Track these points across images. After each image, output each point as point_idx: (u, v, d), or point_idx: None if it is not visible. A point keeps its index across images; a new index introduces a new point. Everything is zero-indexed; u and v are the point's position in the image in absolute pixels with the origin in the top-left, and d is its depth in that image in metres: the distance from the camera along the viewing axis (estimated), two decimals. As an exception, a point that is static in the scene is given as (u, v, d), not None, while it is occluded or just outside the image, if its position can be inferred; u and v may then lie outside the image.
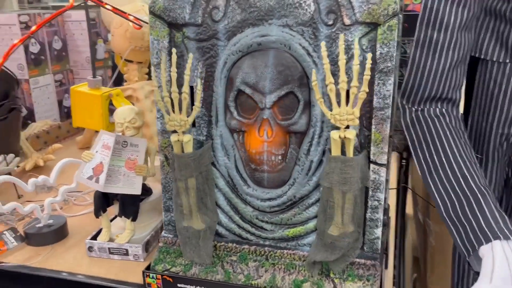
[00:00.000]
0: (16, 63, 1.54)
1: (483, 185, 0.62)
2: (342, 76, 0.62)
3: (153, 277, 0.75)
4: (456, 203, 0.62)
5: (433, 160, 0.67)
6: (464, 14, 0.68)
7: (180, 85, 0.69)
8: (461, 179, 0.63)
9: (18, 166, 1.18)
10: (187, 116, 0.70)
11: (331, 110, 0.64)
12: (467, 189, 0.62)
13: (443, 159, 0.66)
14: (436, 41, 0.69)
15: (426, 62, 0.70)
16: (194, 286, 0.74)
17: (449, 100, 0.72)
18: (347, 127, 0.64)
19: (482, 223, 0.58)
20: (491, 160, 0.78)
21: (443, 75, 0.70)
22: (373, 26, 0.63)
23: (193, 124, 0.74)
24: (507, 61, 0.72)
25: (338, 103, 0.63)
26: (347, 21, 0.64)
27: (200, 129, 0.74)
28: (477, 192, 0.61)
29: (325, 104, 0.65)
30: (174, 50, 0.69)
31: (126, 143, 0.79)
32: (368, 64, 0.61)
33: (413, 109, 0.73)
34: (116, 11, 0.85)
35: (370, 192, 0.68)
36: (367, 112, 0.66)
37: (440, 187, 0.65)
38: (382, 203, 0.68)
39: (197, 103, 0.70)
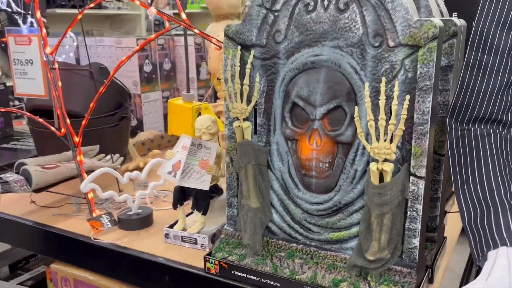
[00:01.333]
0: (132, 80, 1.80)
1: (509, 199, 0.63)
2: (382, 114, 0.68)
3: (212, 263, 0.86)
4: (478, 213, 0.64)
5: (467, 173, 0.69)
6: None
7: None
8: (487, 192, 0.64)
9: (121, 165, 1.39)
10: (247, 105, 0.82)
11: (371, 143, 0.70)
12: (490, 200, 0.63)
13: (476, 172, 0.68)
14: (486, 63, 0.72)
15: (475, 84, 0.73)
16: (245, 274, 0.84)
17: (499, 122, 0.74)
18: (386, 160, 0.70)
19: (495, 231, 0.59)
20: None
21: (492, 96, 0.72)
22: (415, 48, 0.69)
23: (255, 132, 0.85)
24: None
25: (378, 137, 0.70)
26: (391, 43, 0.70)
27: (261, 136, 0.85)
28: (499, 204, 0.62)
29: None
30: (237, 65, 0.81)
31: (201, 145, 0.93)
32: (406, 105, 0.67)
33: (459, 128, 0.75)
34: (201, 34, 1.00)
35: (409, 203, 0.72)
36: (409, 127, 0.71)
37: (468, 197, 0.67)
38: (420, 214, 0.72)
39: (255, 93, 0.81)
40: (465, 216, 0.66)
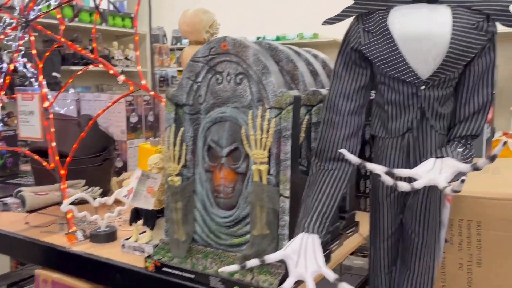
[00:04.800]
0: (120, 129, 2.17)
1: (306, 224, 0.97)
2: (258, 131, 1.02)
3: (149, 262, 1.17)
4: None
5: (311, 190, 1.01)
6: (351, 105, 1.04)
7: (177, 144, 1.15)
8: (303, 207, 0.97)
9: (101, 195, 1.72)
10: (178, 164, 1.15)
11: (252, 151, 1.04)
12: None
13: (315, 189, 1.00)
14: (333, 121, 1.05)
15: (328, 134, 1.06)
16: (172, 270, 1.14)
17: (345, 161, 1.06)
18: (261, 162, 1.03)
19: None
20: (383, 206, 1.08)
21: (339, 143, 1.05)
22: (281, 110, 1.03)
23: (185, 166, 1.18)
24: (386, 136, 1.04)
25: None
26: (267, 106, 1.05)
27: (189, 169, 1.18)
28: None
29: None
30: (173, 126, 1.15)
31: (148, 176, 1.26)
32: (271, 130, 1.01)
33: (318, 164, 1.07)
34: (155, 96, 1.36)
35: (280, 215, 1.04)
36: (279, 163, 1.04)
37: (305, 206, 0.99)
38: (287, 223, 1.03)
39: (183, 158, 1.15)
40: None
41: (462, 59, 0.95)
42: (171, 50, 7.03)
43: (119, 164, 2.20)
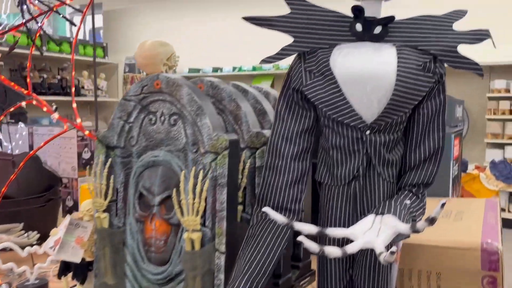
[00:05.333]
0: (71, 165, 2.04)
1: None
2: (190, 194, 0.92)
3: (73, 324, 1.04)
4: None
5: (248, 245, 0.90)
6: (294, 149, 0.95)
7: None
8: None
9: (38, 241, 1.58)
10: (105, 200, 1.04)
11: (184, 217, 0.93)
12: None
13: (243, 251, 0.89)
14: (276, 165, 0.96)
15: (270, 180, 0.96)
16: (96, 334, 1.01)
17: (287, 210, 0.96)
18: (194, 230, 0.92)
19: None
20: (331, 261, 0.97)
21: (281, 190, 0.95)
22: (217, 154, 0.93)
23: (116, 214, 1.07)
24: (332, 184, 0.95)
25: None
26: (202, 150, 0.95)
27: (120, 218, 1.06)
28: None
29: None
30: (101, 156, 1.05)
31: (78, 224, 1.14)
32: (205, 190, 0.90)
33: (259, 214, 0.97)
34: (89, 135, 1.25)
35: (215, 273, 0.93)
36: (214, 214, 0.93)
37: (242, 261, 0.88)
38: (223, 282, 0.92)
39: (110, 192, 1.03)
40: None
41: (409, 102, 0.87)
42: (147, 79, 6.94)
43: (69, 203, 2.07)
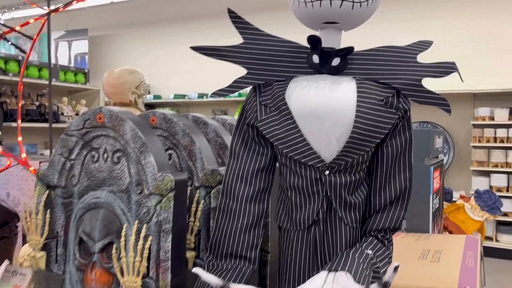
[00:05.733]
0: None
1: None
2: (131, 252, 0.82)
3: None
4: None
5: None
6: (250, 190, 0.86)
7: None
8: None
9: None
10: (41, 237, 0.94)
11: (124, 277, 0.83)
12: None
13: None
14: (230, 208, 0.87)
15: (223, 225, 0.87)
16: None
17: (244, 258, 0.86)
18: None
19: None
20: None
21: (236, 236, 0.86)
22: (161, 196, 0.84)
23: (56, 261, 0.96)
24: (291, 228, 0.86)
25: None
26: (146, 191, 0.86)
27: (60, 265, 0.96)
28: None
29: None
30: (38, 188, 0.95)
31: (15, 271, 1.03)
32: (148, 244, 0.81)
33: (213, 262, 0.87)
34: (34, 172, 1.16)
35: (158, 332, 0.82)
36: (158, 264, 0.83)
37: None
38: None
39: (46, 227, 0.94)
40: None
41: (371, 140, 0.79)
42: (132, 105, 6.87)
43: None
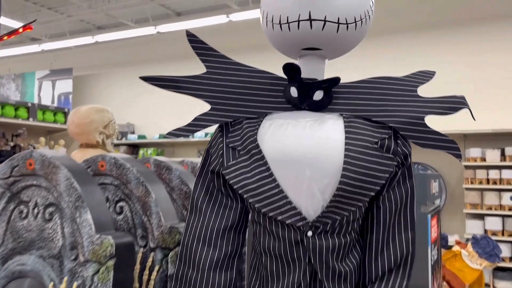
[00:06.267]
0: None
1: None
2: None
3: None
4: None
5: None
6: (215, 254, 0.69)
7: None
8: None
9: None
10: None
11: None
12: None
13: None
14: (189, 278, 0.69)
15: (181, 300, 0.69)
16: None
17: None
18: None
19: None
20: None
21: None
22: (99, 264, 0.66)
23: None
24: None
25: None
26: (81, 258, 0.68)
27: None
28: None
29: None
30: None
31: None
32: None
33: None
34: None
35: None
36: None
37: None
38: None
39: None
40: None
41: (363, 192, 0.63)
42: (115, 145, 6.69)
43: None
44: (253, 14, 4.85)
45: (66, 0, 5.64)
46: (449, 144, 0.63)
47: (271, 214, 0.64)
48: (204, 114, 0.69)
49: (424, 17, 4.85)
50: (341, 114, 0.65)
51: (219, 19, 5.40)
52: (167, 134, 0.70)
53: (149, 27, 5.94)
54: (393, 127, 0.64)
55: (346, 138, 0.62)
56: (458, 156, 0.63)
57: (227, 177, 0.67)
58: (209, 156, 0.72)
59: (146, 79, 0.69)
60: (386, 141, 0.63)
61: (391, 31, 4.77)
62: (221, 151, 0.69)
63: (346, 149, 0.61)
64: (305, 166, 0.62)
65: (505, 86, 4.48)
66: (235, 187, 0.66)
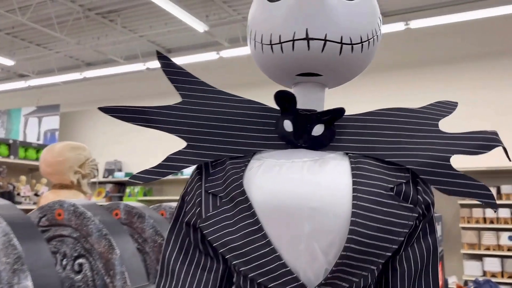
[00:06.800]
0: None
1: None
2: None
3: None
4: None
5: None
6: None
7: None
8: None
9: None
10: None
11: None
12: None
13: None
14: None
15: None
16: None
17: None
18: None
19: None
20: None
21: None
22: None
23: None
24: None
25: None
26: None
27: None
28: None
29: None
30: None
31: None
32: None
33: None
34: None
35: None
36: None
37: None
38: None
39: None
40: None
41: (377, 252, 0.49)
42: (101, 183, 6.51)
43: None
44: (244, 51, 4.83)
45: (55, 37, 5.60)
46: (482, 191, 0.51)
47: (260, 279, 0.51)
48: (178, 152, 0.57)
49: (443, 51, 4.88)
50: (346, 153, 0.53)
51: (209, 56, 5.38)
52: (130, 178, 0.57)
53: (138, 63, 5.90)
54: (411, 170, 0.51)
55: (354, 183, 0.49)
56: (494, 206, 0.51)
57: (205, 232, 0.54)
58: (185, 204, 0.59)
59: (106, 110, 0.56)
60: (404, 187, 0.50)
61: (395, 68, 4.77)
62: (198, 199, 0.56)
63: (354, 198, 0.49)
64: (303, 219, 0.50)
65: (499, 123, 4.44)
66: (214, 244, 0.53)
